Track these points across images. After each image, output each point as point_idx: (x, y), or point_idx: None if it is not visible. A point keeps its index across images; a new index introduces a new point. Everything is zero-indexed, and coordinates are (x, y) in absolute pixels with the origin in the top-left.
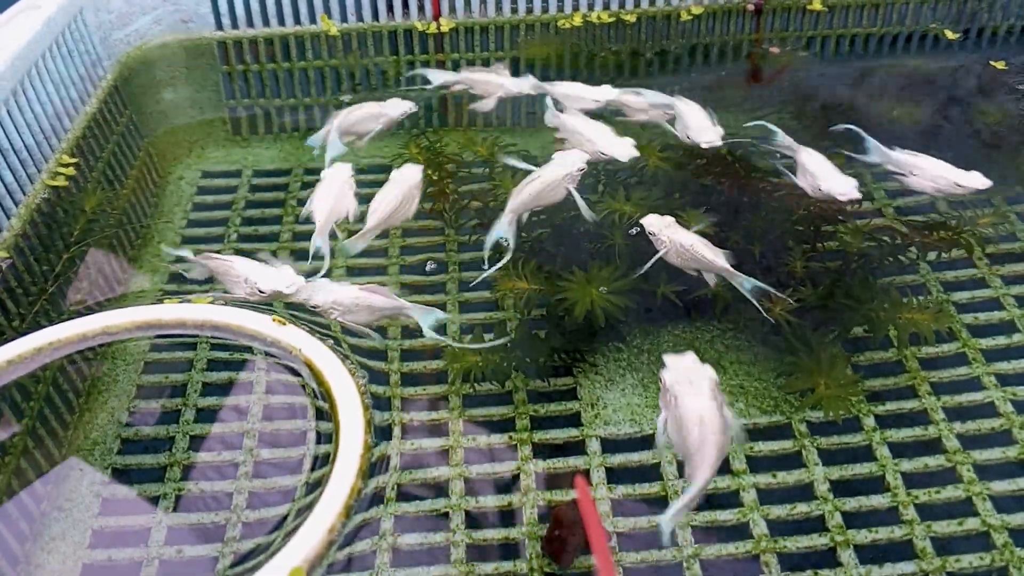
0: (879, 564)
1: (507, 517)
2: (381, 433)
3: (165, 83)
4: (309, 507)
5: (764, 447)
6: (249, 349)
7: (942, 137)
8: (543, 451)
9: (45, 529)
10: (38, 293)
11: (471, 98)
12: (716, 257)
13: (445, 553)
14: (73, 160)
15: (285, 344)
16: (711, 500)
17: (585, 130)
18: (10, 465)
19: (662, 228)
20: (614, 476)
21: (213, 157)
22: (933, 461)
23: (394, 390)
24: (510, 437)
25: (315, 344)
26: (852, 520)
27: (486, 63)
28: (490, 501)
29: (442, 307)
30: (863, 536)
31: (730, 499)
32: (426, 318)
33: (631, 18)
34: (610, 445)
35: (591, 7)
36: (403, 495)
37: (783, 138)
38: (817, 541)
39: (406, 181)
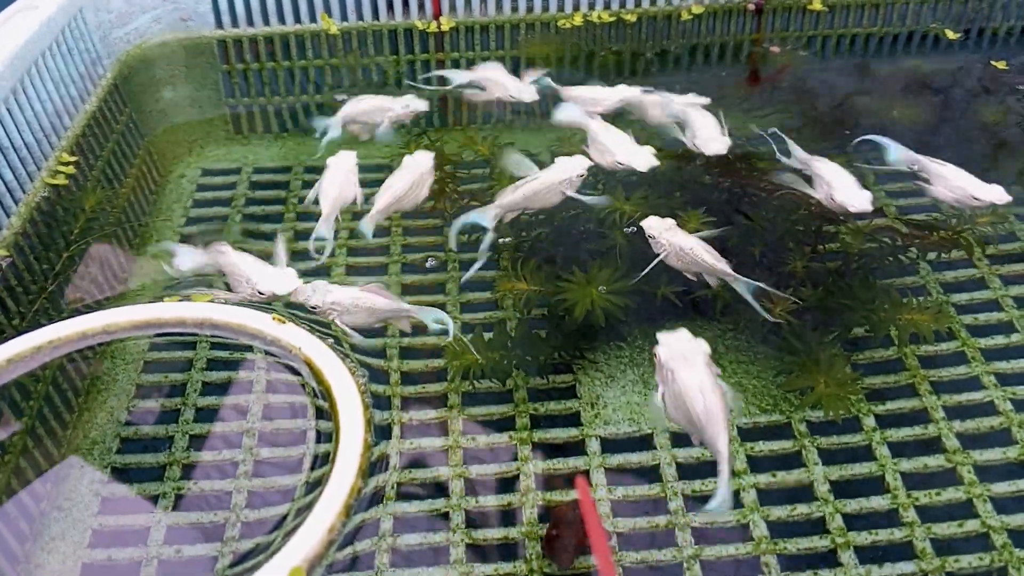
0: (879, 564)
1: (507, 517)
2: (381, 432)
3: (165, 82)
4: (309, 507)
5: (764, 447)
6: (249, 348)
7: (942, 137)
8: (543, 450)
9: (45, 528)
10: (38, 291)
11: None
12: (716, 261)
13: (445, 553)
14: (73, 158)
15: (285, 343)
16: (711, 499)
17: (604, 139)
18: (10, 464)
19: (662, 231)
20: (613, 476)
21: (213, 156)
22: (933, 461)
23: (394, 389)
24: (510, 436)
25: (315, 343)
26: (852, 521)
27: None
28: (490, 501)
29: (442, 307)
30: (863, 537)
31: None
32: (429, 317)
33: (631, 18)
34: (610, 445)
35: (591, 7)
36: (403, 495)
37: (796, 149)
38: (817, 542)
39: (418, 166)
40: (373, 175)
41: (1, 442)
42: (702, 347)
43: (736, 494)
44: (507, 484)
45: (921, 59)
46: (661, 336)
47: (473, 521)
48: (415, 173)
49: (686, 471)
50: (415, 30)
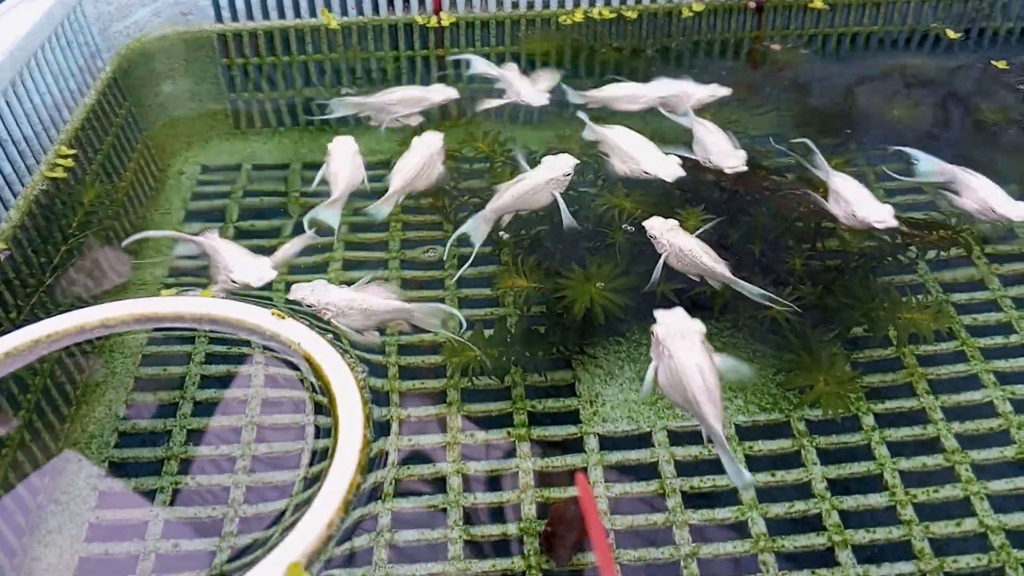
0: (877, 564)
1: (505, 513)
2: (380, 428)
3: (164, 75)
4: (307, 502)
5: (763, 446)
6: (248, 343)
7: (942, 137)
8: (541, 447)
9: (42, 522)
10: (36, 285)
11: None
12: (716, 264)
13: (443, 549)
14: (72, 152)
15: (284, 338)
16: (709, 498)
17: (628, 146)
18: (7, 458)
19: (664, 231)
20: (612, 474)
21: (212, 150)
22: (931, 460)
23: (392, 384)
24: (508, 433)
25: (314, 338)
26: (850, 519)
27: (487, 58)
28: (488, 497)
29: (441, 303)
30: (861, 536)
31: (728, 497)
32: (434, 315)
33: (632, 14)
34: (608, 442)
35: (592, 3)
36: (401, 491)
37: (818, 161)
38: (815, 540)
39: (428, 147)
40: (372, 172)
41: None
42: (698, 326)
43: (734, 492)
44: (505, 481)
45: (922, 58)
46: (658, 314)
47: (471, 517)
48: (425, 154)
49: (684, 468)
50: (415, 25)
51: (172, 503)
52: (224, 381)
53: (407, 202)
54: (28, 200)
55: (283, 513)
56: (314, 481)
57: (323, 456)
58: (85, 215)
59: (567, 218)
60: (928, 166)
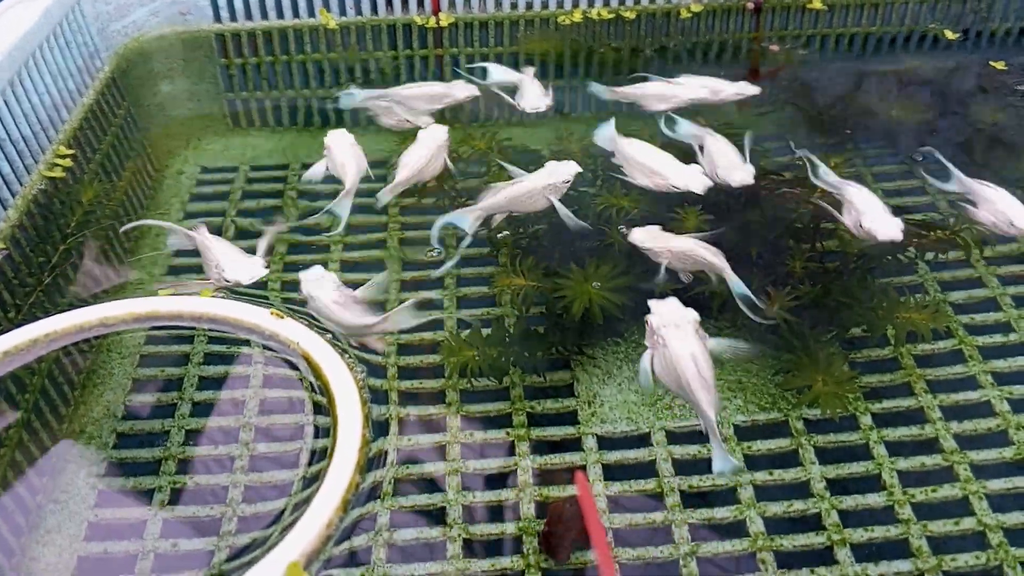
0: (875, 562)
1: (504, 512)
2: (379, 428)
3: (163, 75)
4: (306, 502)
5: (761, 445)
6: (247, 342)
7: (941, 137)
8: (540, 447)
9: (41, 521)
10: (34, 284)
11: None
12: (715, 257)
13: (442, 548)
14: (70, 151)
15: (283, 338)
16: (707, 497)
17: (651, 161)
18: (5, 457)
19: (649, 239)
20: (610, 473)
21: (211, 149)
22: (930, 460)
23: (391, 383)
24: (507, 433)
25: (313, 338)
26: (848, 518)
27: (485, 59)
28: (487, 496)
29: (439, 303)
30: (859, 535)
31: (727, 496)
32: (405, 316)
33: (631, 15)
34: (606, 442)
35: (591, 3)
36: (400, 490)
37: (826, 172)
38: (814, 539)
39: (433, 139)
40: (373, 170)
41: None
42: (692, 315)
43: (733, 491)
44: (504, 480)
45: (920, 59)
46: (653, 304)
47: (470, 517)
48: (431, 146)
49: (683, 467)
50: (414, 25)
51: (171, 503)
52: (223, 381)
53: (406, 203)
54: (27, 200)
55: (282, 513)
56: (313, 481)
57: (322, 456)
58: (83, 215)
59: (569, 219)
60: (950, 174)
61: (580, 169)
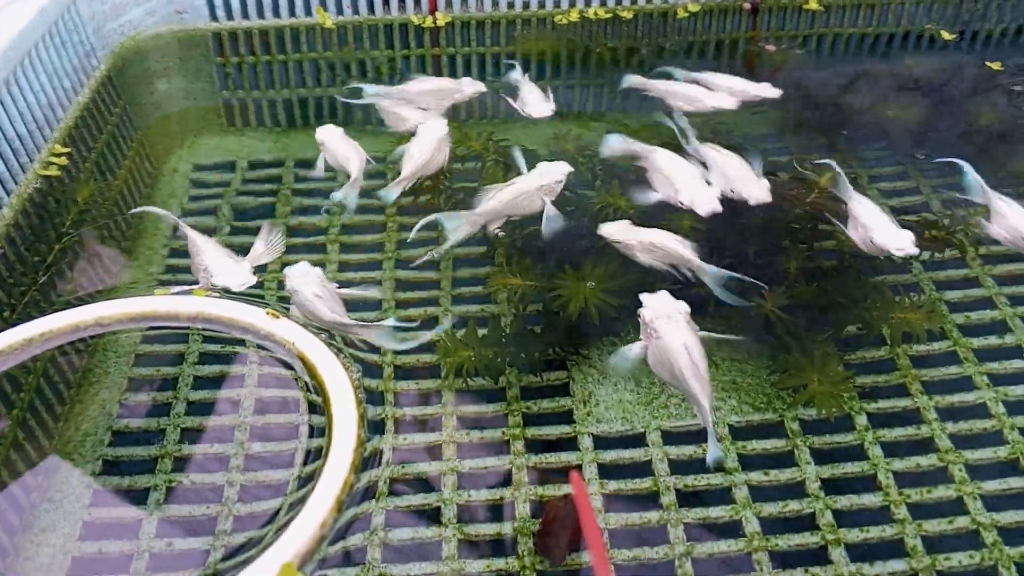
0: (870, 562)
1: (499, 512)
2: (374, 427)
3: (159, 74)
4: (301, 501)
5: (757, 445)
6: (242, 342)
7: (937, 137)
8: (535, 447)
9: (35, 520)
10: (29, 283)
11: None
12: (685, 249)
13: (437, 548)
14: (66, 150)
15: (279, 338)
16: (703, 497)
17: (671, 172)
18: (0, 456)
19: (619, 231)
20: (605, 472)
21: (206, 148)
22: (925, 460)
23: (387, 384)
24: (503, 433)
25: (309, 338)
26: (843, 518)
27: (482, 58)
28: (482, 496)
29: (435, 301)
30: (854, 535)
31: (722, 496)
32: (382, 336)
33: (628, 15)
34: (602, 442)
35: (588, 3)
36: (395, 490)
37: (839, 183)
38: (809, 539)
39: (435, 132)
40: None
41: None
42: (682, 307)
43: (728, 490)
44: (499, 480)
45: (916, 59)
46: (644, 298)
47: (465, 517)
48: (434, 139)
49: (678, 467)
50: (411, 25)
51: (166, 502)
52: (218, 380)
53: (404, 203)
54: (22, 198)
55: (277, 512)
56: (308, 480)
57: (317, 455)
58: (79, 213)
59: (547, 226)
60: (969, 182)
61: (572, 169)
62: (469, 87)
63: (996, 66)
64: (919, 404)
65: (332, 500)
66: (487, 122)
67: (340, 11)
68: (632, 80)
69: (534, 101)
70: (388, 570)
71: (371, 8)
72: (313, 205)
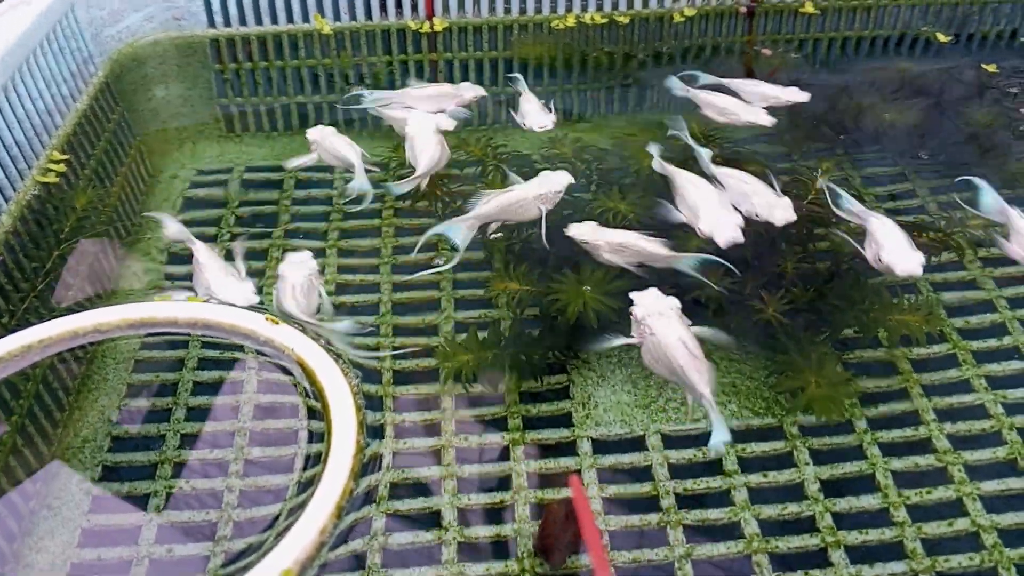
0: (870, 564)
1: (498, 516)
2: (373, 432)
3: (157, 80)
4: (301, 507)
5: (756, 447)
6: (241, 348)
7: (933, 140)
8: (535, 451)
9: (34, 527)
10: (28, 290)
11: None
12: (653, 246)
13: (436, 553)
14: (64, 157)
15: (278, 343)
16: (702, 500)
17: (695, 196)
18: None
19: (588, 233)
20: (605, 475)
21: (205, 155)
22: (924, 461)
23: (386, 389)
24: (502, 437)
25: (308, 343)
26: (843, 520)
27: (479, 63)
28: (482, 500)
29: (436, 303)
30: (854, 536)
31: (722, 498)
32: (336, 337)
33: (624, 19)
34: (601, 446)
35: (584, 8)
36: (395, 495)
37: (850, 203)
38: (808, 541)
39: (431, 126)
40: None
41: None
42: (673, 303)
43: (727, 493)
44: (499, 484)
45: (912, 62)
46: (634, 296)
47: (465, 521)
48: (431, 133)
49: (677, 471)
50: (408, 30)
51: (165, 508)
52: (217, 386)
53: (402, 204)
54: (20, 205)
55: (277, 518)
56: (308, 486)
57: (316, 461)
58: (78, 220)
59: (543, 236)
60: (987, 200)
61: (572, 180)
62: (468, 91)
63: (992, 68)
64: (918, 406)
65: (332, 505)
66: (486, 128)
67: (337, 17)
68: (674, 84)
69: (534, 113)
70: (388, 575)
71: (368, 14)
72: (311, 212)
